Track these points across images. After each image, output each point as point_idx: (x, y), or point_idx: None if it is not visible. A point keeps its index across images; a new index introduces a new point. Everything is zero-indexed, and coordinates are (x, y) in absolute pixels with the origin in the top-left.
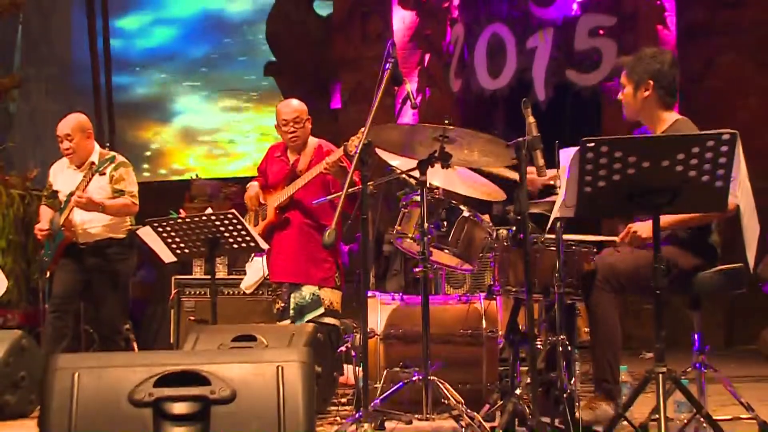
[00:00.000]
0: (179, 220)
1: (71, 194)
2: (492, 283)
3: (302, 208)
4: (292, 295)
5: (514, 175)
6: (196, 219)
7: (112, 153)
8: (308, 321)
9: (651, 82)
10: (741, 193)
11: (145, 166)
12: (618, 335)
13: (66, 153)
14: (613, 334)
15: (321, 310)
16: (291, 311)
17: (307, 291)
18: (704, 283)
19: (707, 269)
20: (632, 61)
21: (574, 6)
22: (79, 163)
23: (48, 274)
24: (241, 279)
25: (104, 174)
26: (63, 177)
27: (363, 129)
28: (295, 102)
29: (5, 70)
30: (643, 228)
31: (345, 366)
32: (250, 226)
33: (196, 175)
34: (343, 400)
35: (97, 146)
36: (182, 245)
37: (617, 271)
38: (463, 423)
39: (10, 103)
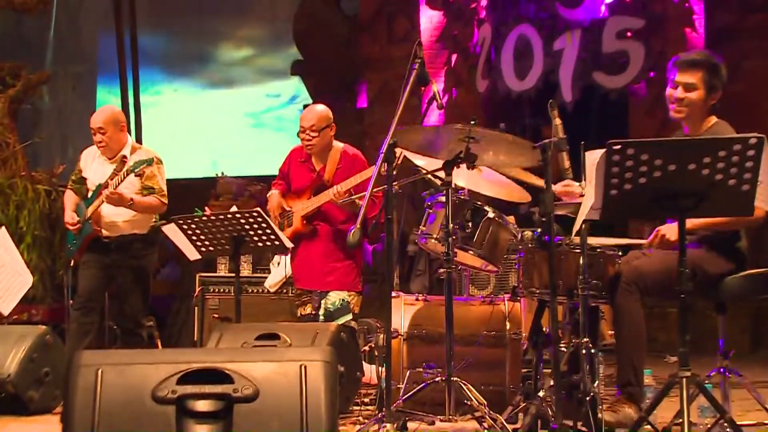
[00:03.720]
0: (204, 218)
1: (100, 186)
2: (516, 284)
3: (329, 217)
4: (322, 301)
5: (540, 182)
6: (221, 217)
7: (151, 155)
8: None
9: (719, 93)
10: None
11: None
12: (643, 337)
13: (99, 146)
14: (638, 336)
15: (350, 316)
16: (321, 316)
17: (336, 297)
18: (730, 288)
19: (734, 274)
20: (711, 67)
21: (602, 8)
22: (111, 155)
23: (72, 264)
24: (266, 277)
25: (140, 175)
26: (93, 166)
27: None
28: (317, 108)
29: (34, 67)
30: (672, 231)
31: (368, 366)
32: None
33: (222, 173)
34: (366, 399)
35: (130, 139)
36: (207, 243)
37: (644, 275)
38: (485, 425)
39: (37, 100)
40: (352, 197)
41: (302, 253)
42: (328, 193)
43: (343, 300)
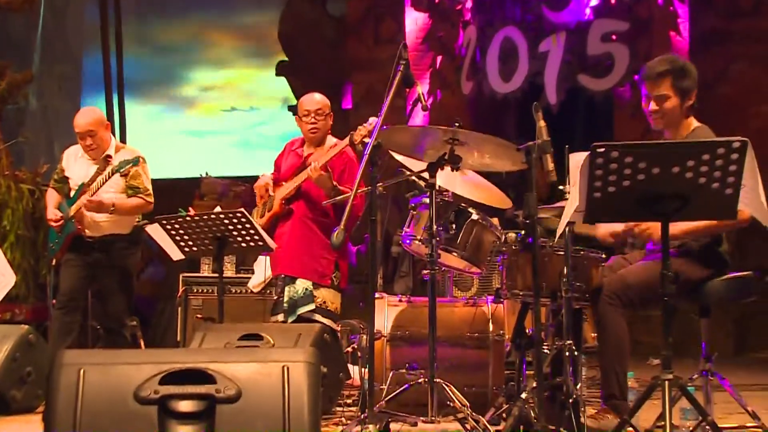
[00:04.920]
0: (188, 218)
1: (84, 185)
2: (500, 286)
3: (307, 201)
4: (287, 288)
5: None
6: (205, 217)
7: (135, 154)
8: (299, 316)
9: (695, 92)
10: (763, 200)
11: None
12: (626, 348)
13: (89, 149)
14: (621, 347)
15: (311, 306)
16: (284, 304)
17: (301, 285)
18: (713, 291)
19: (717, 278)
20: (678, 71)
21: (587, 11)
22: (98, 156)
23: (54, 263)
24: (249, 278)
25: (126, 174)
26: (76, 165)
27: (371, 119)
28: (318, 95)
29: (19, 67)
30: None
31: (351, 367)
32: (256, 218)
33: (207, 173)
34: (349, 401)
35: (113, 138)
36: (191, 243)
37: (628, 286)
38: (468, 426)
39: (21, 100)
40: (337, 198)
41: (278, 237)
42: (306, 171)
43: (306, 289)
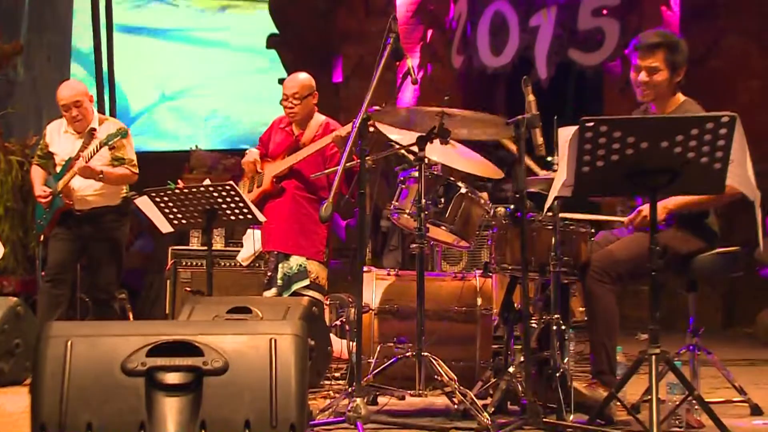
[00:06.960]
0: (177, 191)
1: (71, 159)
2: (488, 260)
3: (299, 179)
4: (280, 265)
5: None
6: (194, 190)
7: (119, 125)
8: (293, 292)
9: (684, 69)
10: (750, 174)
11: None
12: (616, 323)
13: (75, 120)
14: (610, 322)
15: (306, 282)
16: (279, 281)
17: (295, 261)
18: (702, 266)
19: (705, 252)
20: (671, 46)
21: None
22: (84, 128)
23: (42, 238)
24: (238, 251)
25: (114, 147)
26: (60, 141)
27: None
28: (300, 76)
29: (9, 37)
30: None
31: (340, 340)
32: (244, 192)
33: (196, 146)
34: (337, 374)
35: (95, 111)
36: (180, 216)
37: (616, 261)
38: (455, 400)
39: (10, 71)
40: (325, 172)
41: (268, 213)
42: (301, 153)
43: (300, 265)
